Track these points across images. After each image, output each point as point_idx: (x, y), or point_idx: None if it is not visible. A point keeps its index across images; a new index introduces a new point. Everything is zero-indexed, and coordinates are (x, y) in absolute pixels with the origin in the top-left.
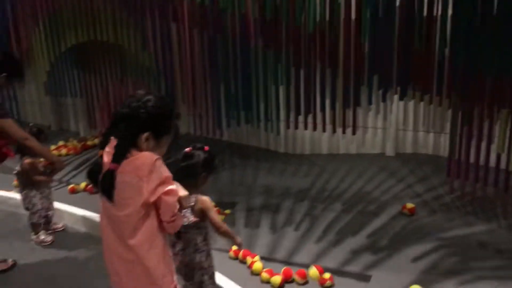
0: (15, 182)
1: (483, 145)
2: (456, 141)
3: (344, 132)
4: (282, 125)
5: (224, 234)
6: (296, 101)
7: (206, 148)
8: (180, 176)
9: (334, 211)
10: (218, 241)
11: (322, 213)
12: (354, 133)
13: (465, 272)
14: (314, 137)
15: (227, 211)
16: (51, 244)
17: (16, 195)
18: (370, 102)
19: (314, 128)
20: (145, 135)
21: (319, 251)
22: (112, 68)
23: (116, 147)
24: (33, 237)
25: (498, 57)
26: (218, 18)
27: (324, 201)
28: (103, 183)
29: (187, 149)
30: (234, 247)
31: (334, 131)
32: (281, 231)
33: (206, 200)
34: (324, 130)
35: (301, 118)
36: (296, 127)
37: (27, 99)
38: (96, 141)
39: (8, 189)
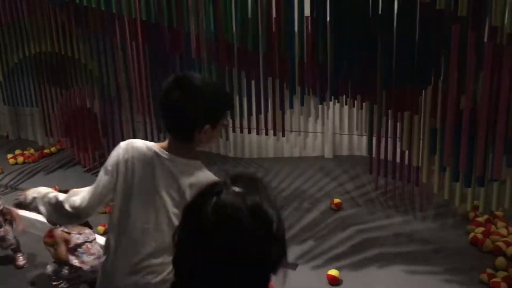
0: None
1: (396, 144)
2: (372, 141)
3: (283, 135)
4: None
5: None
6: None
7: None
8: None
9: None
10: None
11: None
12: (283, 135)
13: (380, 256)
14: (261, 142)
15: None
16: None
17: None
18: (302, 104)
19: (257, 132)
20: None
21: None
22: (65, 78)
23: None
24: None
25: (398, 71)
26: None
27: None
28: None
29: None
30: None
31: (274, 134)
32: None
33: None
34: (266, 133)
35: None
36: (241, 131)
37: None
38: (53, 149)
39: None
